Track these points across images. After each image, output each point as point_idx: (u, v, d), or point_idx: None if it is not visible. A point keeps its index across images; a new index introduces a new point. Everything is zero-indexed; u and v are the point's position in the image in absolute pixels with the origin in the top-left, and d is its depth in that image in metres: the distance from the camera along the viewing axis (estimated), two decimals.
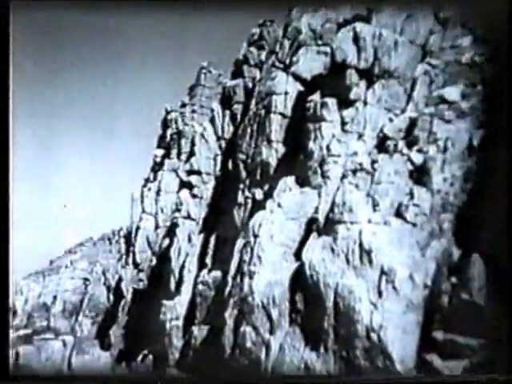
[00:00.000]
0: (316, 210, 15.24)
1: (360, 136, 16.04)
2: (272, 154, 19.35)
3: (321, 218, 14.80)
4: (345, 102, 16.84)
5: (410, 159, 13.87)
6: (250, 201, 19.76)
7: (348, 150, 15.90)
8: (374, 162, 14.61)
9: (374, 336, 11.31)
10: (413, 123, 14.56)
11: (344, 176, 15.09)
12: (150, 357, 22.19)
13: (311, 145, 16.93)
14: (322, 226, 14.59)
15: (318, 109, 17.15)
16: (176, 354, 19.74)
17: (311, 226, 15.21)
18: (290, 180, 17.32)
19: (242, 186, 20.64)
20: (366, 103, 16.44)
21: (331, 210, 14.40)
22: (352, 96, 16.74)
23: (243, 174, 20.83)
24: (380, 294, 11.85)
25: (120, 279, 30.88)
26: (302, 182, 16.86)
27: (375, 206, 13.52)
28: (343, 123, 16.76)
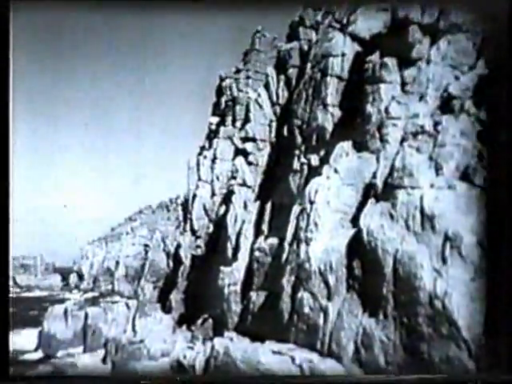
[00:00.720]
0: (374, 175, 14.77)
1: (422, 97, 15.20)
2: (328, 118, 18.84)
3: (379, 183, 14.34)
4: (406, 62, 16.00)
5: (478, 119, 13.02)
6: (305, 167, 19.46)
7: (408, 112, 15.15)
8: (436, 123, 13.84)
9: (437, 303, 10.93)
10: (482, 81, 13.59)
11: (404, 139, 14.45)
12: (210, 320, 22.84)
13: (369, 108, 16.31)
14: (381, 191, 14.14)
15: (377, 70, 16.41)
16: (235, 318, 20.16)
17: (369, 191, 14.81)
18: (346, 145, 16.84)
19: (297, 152, 20.33)
20: (429, 61, 15.48)
21: (390, 174, 13.90)
22: (414, 54, 15.84)
23: (299, 139, 20.47)
24: (444, 260, 11.39)
25: (178, 246, 31.74)
26: (360, 146, 16.34)
27: (438, 169, 12.87)
28: (404, 84, 15.97)
